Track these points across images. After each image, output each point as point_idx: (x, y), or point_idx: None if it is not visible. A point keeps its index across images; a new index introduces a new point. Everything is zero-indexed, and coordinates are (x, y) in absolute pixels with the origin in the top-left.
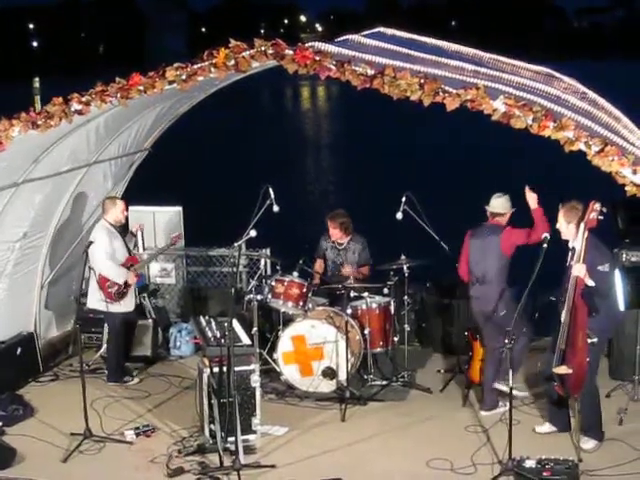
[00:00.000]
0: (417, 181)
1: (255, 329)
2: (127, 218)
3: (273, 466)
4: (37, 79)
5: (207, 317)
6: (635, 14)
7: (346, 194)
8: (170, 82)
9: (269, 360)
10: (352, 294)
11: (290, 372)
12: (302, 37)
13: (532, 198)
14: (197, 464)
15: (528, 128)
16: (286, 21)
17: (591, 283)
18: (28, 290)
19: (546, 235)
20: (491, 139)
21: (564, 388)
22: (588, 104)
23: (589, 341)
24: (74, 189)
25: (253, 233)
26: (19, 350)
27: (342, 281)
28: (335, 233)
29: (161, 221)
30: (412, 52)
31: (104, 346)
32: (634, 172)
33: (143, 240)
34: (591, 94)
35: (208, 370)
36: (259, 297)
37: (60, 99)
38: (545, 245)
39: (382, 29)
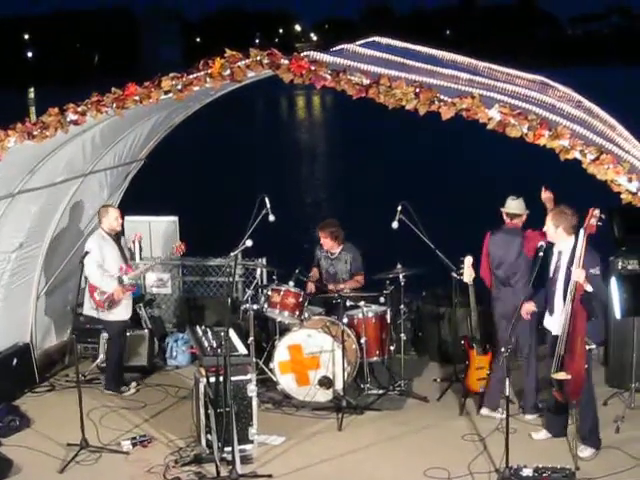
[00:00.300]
0: (413, 190)
1: (251, 339)
2: (123, 226)
3: (270, 476)
4: (32, 89)
5: (203, 327)
6: (630, 21)
7: (342, 203)
8: (166, 92)
9: (265, 370)
10: (348, 303)
11: (287, 381)
12: (297, 46)
13: (548, 198)
14: (194, 474)
15: (523, 137)
16: (281, 30)
17: (590, 289)
18: (24, 300)
19: (542, 243)
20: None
21: (563, 394)
22: (583, 112)
23: (587, 348)
24: (70, 199)
25: (249, 243)
26: (15, 361)
27: (337, 290)
28: (326, 242)
29: (157, 231)
30: (407, 61)
31: (100, 356)
32: (629, 180)
33: (140, 250)
34: (586, 102)
35: (205, 380)
36: (255, 307)
37: (56, 109)
38: (541, 253)
39: (377, 38)
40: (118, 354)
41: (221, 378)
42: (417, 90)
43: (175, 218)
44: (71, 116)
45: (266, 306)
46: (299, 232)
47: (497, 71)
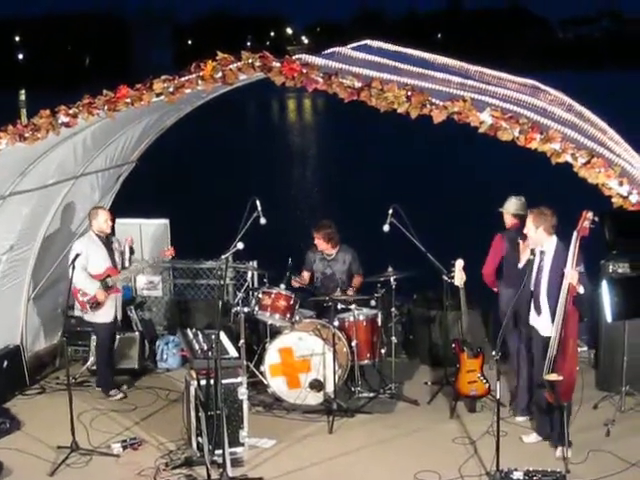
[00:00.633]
0: (404, 193)
1: (242, 341)
2: (113, 228)
3: (261, 479)
4: (23, 91)
5: (194, 329)
6: (621, 25)
7: (333, 206)
8: (157, 94)
9: (256, 372)
10: (339, 306)
11: (277, 384)
12: (289, 49)
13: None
14: (184, 477)
15: (515, 140)
16: (272, 33)
17: (582, 290)
18: (15, 303)
19: (532, 247)
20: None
21: (554, 395)
22: (574, 116)
23: (579, 350)
24: (61, 201)
25: (240, 245)
26: (5, 363)
27: (330, 293)
28: (321, 244)
29: (148, 233)
30: (399, 65)
31: (91, 359)
32: (620, 184)
33: (131, 253)
34: (577, 106)
35: (195, 383)
36: (246, 309)
37: (47, 111)
38: (532, 256)
39: (369, 42)
40: (106, 355)
41: (212, 381)
42: (409, 93)
43: (166, 221)
44: (62, 118)
45: (257, 309)
46: (290, 235)
47: (488, 75)
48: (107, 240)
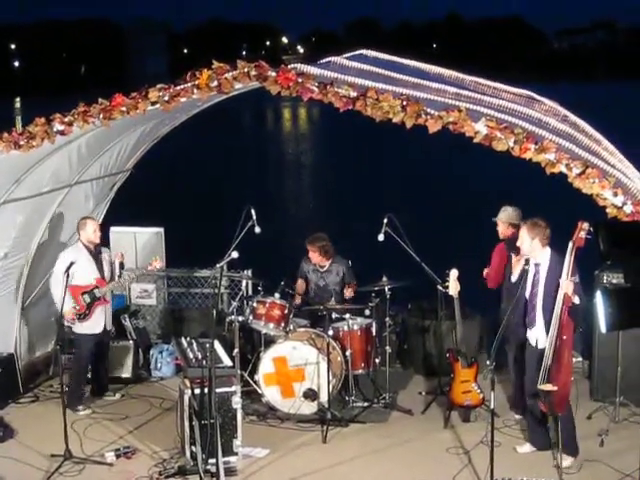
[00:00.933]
0: (399, 202)
1: (236, 350)
2: (107, 238)
3: None
4: (18, 99)
5: (188, 338)
6: (614, 36)
7: (328, 215)
8: (153, 103)
9: (250, 382)
10: (334, 315)
11: (271, 393)
12: (284, 59)
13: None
14: None
15: (509, 150)
16: (268, 42)
17: (577, 300)
18: (9, 311)
19: (526, 257)
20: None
21: (549, 406)
22: (569, 127)
23: (574, 360)
24: (55, 209)
25: (235, 254)
26: None
27: (324, 303)
28: (315, 257)
29: (142, 242)
30: (394, 74)
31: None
32: (615, 194)
33: (121, 269)
34: (572, 117)
35: (189, 391)
36: (240, 318)
37: (42, 119)
38: (526, 266)
39: (364, 51)
40: (82, 369)
41: (206, 390)
42: (404, 103)
43: (161, 229)
44: (58, 126)
45: (251, 318)
46: (285, 244)
47: (483, 85)
48: (96, 251)
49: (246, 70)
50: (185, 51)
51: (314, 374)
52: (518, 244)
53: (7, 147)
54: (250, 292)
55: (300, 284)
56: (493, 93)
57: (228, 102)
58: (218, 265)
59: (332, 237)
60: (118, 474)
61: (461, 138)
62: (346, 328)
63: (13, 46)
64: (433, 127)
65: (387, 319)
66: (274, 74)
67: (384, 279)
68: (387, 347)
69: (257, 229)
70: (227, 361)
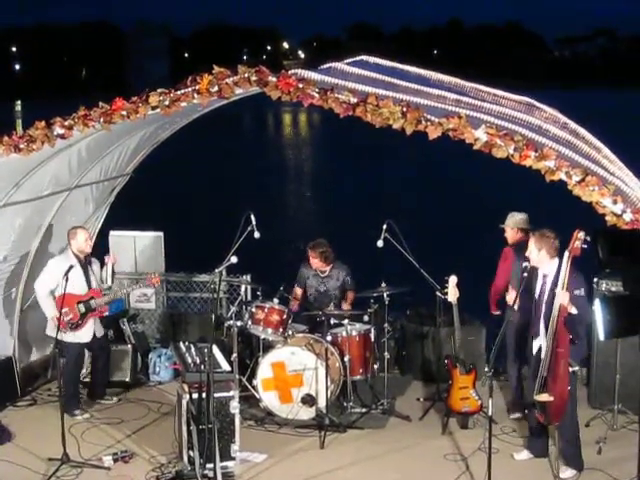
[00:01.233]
0: (398, 209)
1: (235, 355)
2: (104, 241)
3: None
4: (19, 102)
5: (187, 343)
6: (615, 44)
7: (327, 221)
8: (153, 107)
9: (248, 387)
10: (332, 321)
11: (269, 399)
12: (285, 64)
13: None
14: None
15: (509, 157)
16: (269, 47)
17: (574, 311)
18: (7, 314)
19: (526, 264)
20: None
21: (545, 416)
22: (569, 134)
23: (570, 370)
24: (55, 213)
25: (234, 259)
26: None
27: (323, 308)
28: (316, 262)
29: (142, 246)
30: (395, 80)
31: (82, 371)
32: (614, 202)
33: (113, 272)
34: (572, 124)
35: (187, 396)
36: (239, 323)
37: (43, 123)
38: (525, 274)
39: (365, 57)
40: (74, 377)
41: (204, 394)
42: (404, 109)
43: (160, 233)
44: (58, 130)
45: (250, 323)
46: (284, 249)
47: (484, 92)
48: (86, 261)
49: (247, 75)
50: (186, 55)
51: (312, 379)
52: (527, 254)
53: (7, 150)
54: (249, 297)
55: (297, 291)
56: (493, 100)
57: (228, 107)
58: (217, 270)
59: (331, 243)
60: (115, 478)
61: (462, 145)
62: (345, 334)
63: (14, 49)
64: (433, 134)
65: (386, 325)
66: (275, 79)
67: (383, 285)
68: (385, 353)
69: (256, 234)
70: (225, 366)
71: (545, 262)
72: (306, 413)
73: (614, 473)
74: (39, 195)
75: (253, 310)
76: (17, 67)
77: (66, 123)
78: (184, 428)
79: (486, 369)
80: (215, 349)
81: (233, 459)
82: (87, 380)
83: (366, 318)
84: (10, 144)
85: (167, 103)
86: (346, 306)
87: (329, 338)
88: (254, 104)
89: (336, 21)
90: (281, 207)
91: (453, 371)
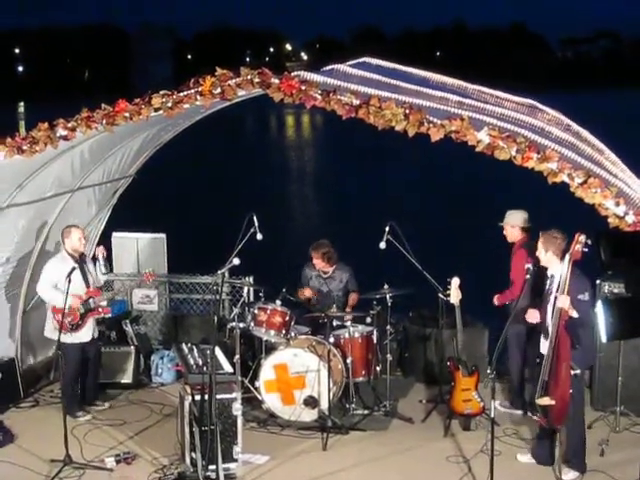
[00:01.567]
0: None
1: (237, 357)
2: (107, 242)
3: None
4: (22, 104)
5: (189, 344)
6: (619, 45)
7: (330, 222)
8: (156, 109)
9: (251, 388)
10: (335, 323)
11: (272, 400)
12: (288, 65)
13: None
14: None
15: (512, 159)
16: (272, 49)
17: (575, 315)
18: (10, 315)
19: (529, 266)
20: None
21: (547, 419)
22: (572, 136)
23: (572, 373)
24: (57, 215)
25: (236, 261)
26: (0, 375)
27: (326, 309)
28: (318, 263)
29: (144, 247)
30: (397, 82)
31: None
32: (617, 204)
33: (108, 265)
34: (575, 126)
35: (190, 398)
36: (242, 325)
37: (46, 124)
38: (528, 276)
39: (367, 59)
40: (72, 378)
41: (206, 396)
42: (407, 111)
43: (162, 235)
44: (61, 131)
45: (252, 324)
46: (287, 251)
47: (486, 93)
48: (81, 260)
49: (249, 77)
50: (189, 57)
51: (315, 381)
52: (537, 254)
53: (10, 152)
54: (251, 299)
55: (306, 290)
56: (496, 102)
57: (231, 108)
58: (220, 271)
59: (334, 244)
60: None
61: (464, 147)
62: (347, 335)
63: (17, 50)
64: (435, 135)
65: (388, 327)
66: (277, 81)
67: (385, 287)
68: (388, 355)
69: (259, 236)
70: (228, 368)
71: (554, 263)
72: (308, 415)
73: (617, 475)
74: (42, 197)
75: (255, 312)
76: (20, 69)
77: (69, 125)
78: (186, 430)
79: (488, 371)
80: (217, 351)
81: (235, 461)
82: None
83: (369, 320)
84: (13, 146)
85: (170, 105)
86: (351, 302)
87: (331, 340)
88: (257, 106)
89: (339, 23)
90: (284, 209)
91: (455, 373)
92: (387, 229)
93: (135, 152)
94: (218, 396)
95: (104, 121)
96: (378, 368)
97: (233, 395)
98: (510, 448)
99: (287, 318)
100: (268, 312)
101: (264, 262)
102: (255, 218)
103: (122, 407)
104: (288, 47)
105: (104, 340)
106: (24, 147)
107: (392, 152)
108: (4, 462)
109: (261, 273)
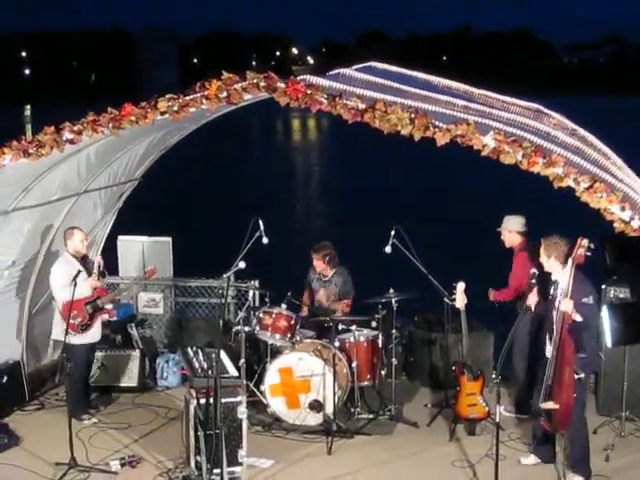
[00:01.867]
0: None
1: (242, 361)
2: (113, 246)
3: None
4: (28, 107)
5: (195, 348)
6: (625, 50)
7: (335, 226)
8: (162, 113)
9: (256, 392)
10: (340, 327)
11: (277, 404)
12: (293, 69)
13: None
14: None
15: (518, 164)
16: (278, 53)
17: (579, 319)
18: (15, 318)
19: (534, 270)
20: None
21: (551, 424)
22: (577, 140)
23: (576, 377)
24: (63, 218)
25: (242, 265)
26: (5, 378)
27: (329, 314)
28: (319, 265)
29: (150, 251)
30: (403, 87)
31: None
32: (622, 209)
33: (101, 272)
34: (580, 130)
35: (195, 401)
36: (247, 329)
37: (52, 128)
38: (533, 280)
39: (373, 63)
40: (82, 379)
41: (211, 400)
42: (412, 116)
43: (168, 239)
44: (67, 135)
45: (258, 328)
46: (293, 255)
47: (492, 98)
48: (84, 261)
49: (255, 81)
50: (195, 61)
51: (320, 385)
52: (540, 260)
53: (16, 155)
54: (257, 303)
55: (306, 295)
56: (502, 106)
57: (237, 112)
58: (225, 275)
59: (339, 248)
60: None
61: (470, 151)
62: (352, 340)
63: (23, 54)
64: (441, 140)
65: (393, 331)
66: (283, 85)
67: (391, 291)
68: (393, 359)
69: (265, 240)
70: (233, 371)
71: (557, 268)
72: (313, 419)
73: None
74: (48, 200)
75: (261, 315)
76: (27, 72)
77: (75, 128)
78: (191, 433)
79: (493, 376)
80: (223, 354)
81: (240, 464)
82: (94, 385)
83: (374, 324)
84: (19, 149)
85: (176, 109)
86: (338, 306)
87: (337, 344)
88: (263, 109)
89: (345, 27)
90: (290, 212)
91: (461, 377)
92: (393, 233)
93: (141, 156)
94: (223, 400)
95: (110, 125)
96: (383, 372)
97: (238, 399)
98: (515, 453)
99: (292, 322)
100: (273, 316)
101: (270, 266)
102: (261, 222)
103: (127, 410)
104: (294, 51)
105: (109, 343)
106: (30, 150)
107: (398, 156)
108: (9, 465)
109: (267, 277)
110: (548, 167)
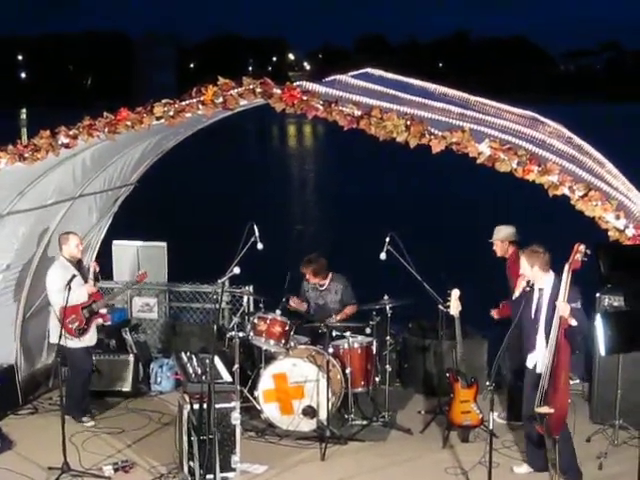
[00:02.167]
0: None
1: (236, 366)
2: (107, 251)
3: None
4: (24, 111)
5: (188, 353)
6: (622, 57)
7: (331, 233)
8: (158, 118)
9: (250, 398)
10: (334, 333)
11: (270, 410)
12: (290, 75)
13: None
14: None
15: (513, 172)
16: (275, 58)
17: (574, 322)
18: (10, 322)
19: (529, 279)
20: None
21: (545, 428)
22: (573, 149)
23: (571, 382)
24: (58, 222)
25: (237, 270)
26: None
27: (324, 320)
28: (310, 278)
29: (144, 256)
30: (399, 93)
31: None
32: (617, 217)
33: (96, 276)
34: (576, 139)
35: (188, 406)
36: (241, 334)
37: (47, 132)
38: (528, 288)
39: (370, 70)
40: (82, 383)
41: (205, 405)
42: (408, 122)
43: (163, 244)
44: (62, 139)
45: (252, 334)
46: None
47: (488, 105)
48: (79, 266)
49: (251, 87)
50: (192, 65)
51: (314, 391)
52: (521, 272)
53: (12, 159)
54: (251, 308)
55: (297, 300)
56: (497, 114)
57: (233, 117)
58: (220, 280)
59: (334, 254)
60: None
61: (465, 158)
62: (346, 346)
63: (20, 57)
64: (436, 147)
65: (388, 338)
66: (279, 91)
67: (385, 298)
68: (387, 366)
69: (259, 245)
70: (227, 377)
71: (540, 277)
72: (307, 425)
73: None
74: (43, 204)
75: (255, 321)
76: (23, 75)
77: (71, 132)
78: (185, 438)
79: (487, 383)
80: (217, 360)
81: (233, 470)
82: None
83: (368, 330)
84: (15, 153)
85: (171, 114)
86: (338, 316)
87: (331, 350)
88: (259, 115)
89: (343, 33)
90: (285, 218)
91: (454, 384)
92: (387, 240)
93: (136, 160)
94: (217, 405)
95: (106, 129)
96: (377, 379)
97: (232, 404)
98: (509, 460)
99: (287, 328)
100: (268, 322)
101: (264, 272)
102: (255, 227)
103: (121, 415)
104: (291, 57)
105: (103, 348)
106: (26, 154)
107: (393, 163)
108: (2, 469)
109: (261, 282)
110: (543, 175)
